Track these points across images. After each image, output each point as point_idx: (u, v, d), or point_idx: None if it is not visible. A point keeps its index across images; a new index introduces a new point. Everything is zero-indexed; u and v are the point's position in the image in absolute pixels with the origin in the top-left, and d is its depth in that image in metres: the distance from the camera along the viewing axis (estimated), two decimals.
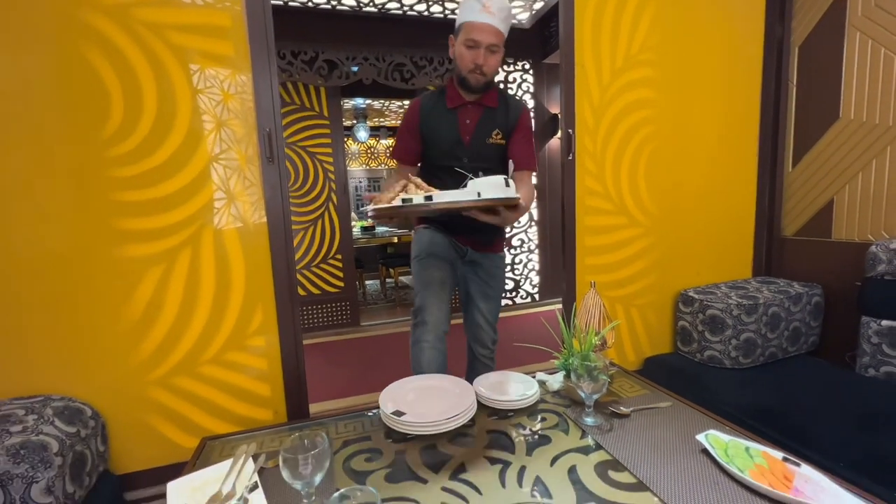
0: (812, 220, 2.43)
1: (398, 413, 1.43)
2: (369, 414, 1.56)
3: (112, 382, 1.62)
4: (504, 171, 1.82)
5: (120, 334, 1.63)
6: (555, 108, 4.74)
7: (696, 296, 2.26)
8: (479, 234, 1.83)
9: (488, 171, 1.76)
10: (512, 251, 5.03)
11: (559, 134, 2.31)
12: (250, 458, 1.26)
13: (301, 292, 2.00)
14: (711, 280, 2.47)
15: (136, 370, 1.64)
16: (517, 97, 2.16)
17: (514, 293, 5.01)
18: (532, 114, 4.72)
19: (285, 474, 1.03)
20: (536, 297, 5.12)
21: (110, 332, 1.62)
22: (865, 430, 1.59)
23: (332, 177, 4.39)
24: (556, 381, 1.71)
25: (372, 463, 1.27)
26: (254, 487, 1.15)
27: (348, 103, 6.77)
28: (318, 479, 1.02)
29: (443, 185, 1.51)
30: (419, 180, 1.41)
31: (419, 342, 1.81)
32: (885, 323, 1.98)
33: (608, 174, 2.23)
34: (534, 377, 1.70)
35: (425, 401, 1.52)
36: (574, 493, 1.09)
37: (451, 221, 1.79)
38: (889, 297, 1.99)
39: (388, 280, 6.14)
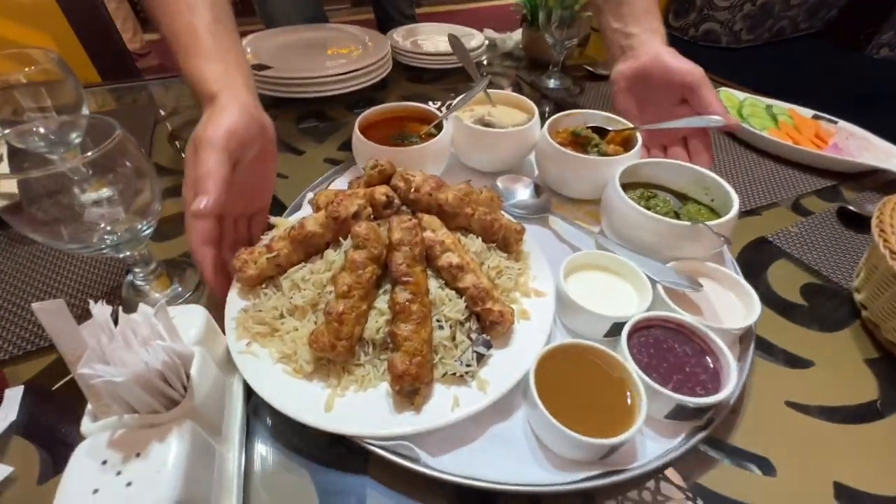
0: None
1: (260, 67, 0.89)
2: None
3: None
4: None
5: None
6: None
7: None
8: None
9: None
10: None
11: None
12: None
13: None
14: None
15: None
16: None
17: None
18: None
19: None
20: None
21: None
22: (867, 107, 1.33)
23: None
24: (510, 39, 1.18)
25: None
26: None
27: None
28: (74, 137, 0.54)
29: None
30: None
31: None
32: None
33: None
34: (481, 32, 1.15)
35: (305, 56, 0.97)
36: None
37: None
38: None
39: None
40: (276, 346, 0.39)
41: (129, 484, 0.27)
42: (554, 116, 0.62)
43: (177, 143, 0.78)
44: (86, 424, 0.30)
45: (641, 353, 0.38)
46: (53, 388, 0.42)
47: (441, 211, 0.45)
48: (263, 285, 0.44)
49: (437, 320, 0.39)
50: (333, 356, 0.36)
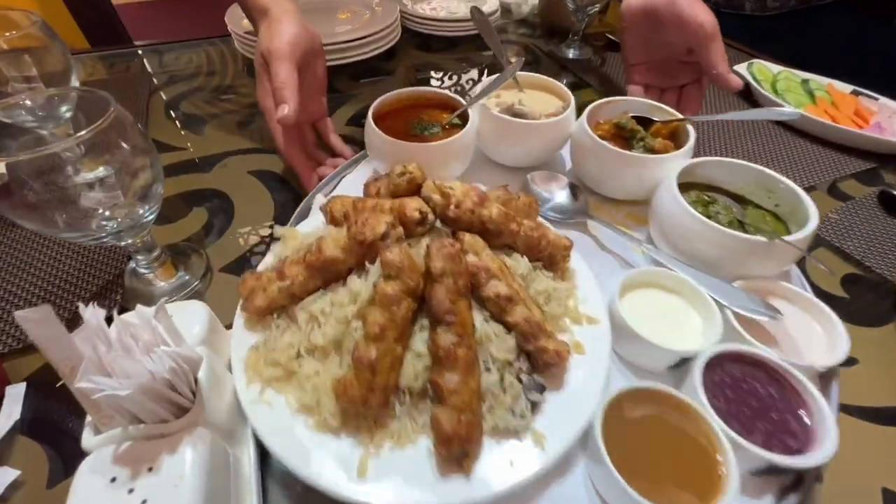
0: None
1: None
2: (217, 41, 0.94)
3: None
4: None
5: None
6: None
7: None
8: None
9: None
10: None
11: None
12: None
13: None
14: None
15: None
16: None
17: None
18: None
19: None
20: None
21: None
22: None
23: None
24: (526, 4, 1.11)
25: (218, 105, 0.76)
26: None
27: None
28: (64, 111, 0.50)
29: None
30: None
31: None
32: None
33: None
34: None
35: (313, 22, 0.90)
36: None
37: None
38: None
39: None
40: (293, 392, 0.34)
41: (143, 502, 0.25)
42: (593, 104, 0.55)
43: (173, 114, 0.74)
44: (87, 438, 0.27)
45: (717, 396, 0.33)
46: (58, 385, 0.39)
47: (483, 228, 0.39)
48: (275, 315, 0.38)
49: (483, 361, 0.34)
50: (365, 409, 0.32)
